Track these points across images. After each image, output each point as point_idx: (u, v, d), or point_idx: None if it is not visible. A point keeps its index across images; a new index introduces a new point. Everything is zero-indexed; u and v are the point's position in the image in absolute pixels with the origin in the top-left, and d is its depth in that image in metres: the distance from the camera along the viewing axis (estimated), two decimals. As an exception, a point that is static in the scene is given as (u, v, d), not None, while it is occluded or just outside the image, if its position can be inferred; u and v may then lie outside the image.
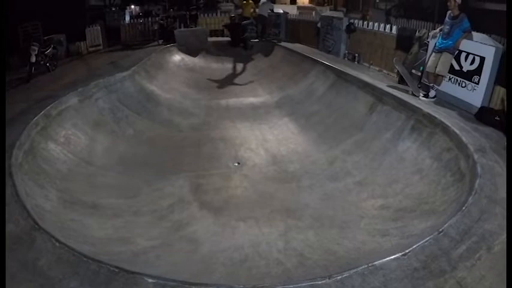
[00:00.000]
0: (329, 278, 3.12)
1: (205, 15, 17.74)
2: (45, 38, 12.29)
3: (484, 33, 7.28)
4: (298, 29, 15.68)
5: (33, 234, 3.73)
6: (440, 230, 3.69)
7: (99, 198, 5.55)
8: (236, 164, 7.15)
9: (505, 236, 3.66)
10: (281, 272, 4.03)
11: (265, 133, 8.61)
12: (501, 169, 4.81)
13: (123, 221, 5.12)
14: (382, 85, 8.34)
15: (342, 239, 4.67)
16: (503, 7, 10.81)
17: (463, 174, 4.99)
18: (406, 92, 7.87)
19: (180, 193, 6.01)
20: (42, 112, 6.66)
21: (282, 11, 16.82)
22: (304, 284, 3.08)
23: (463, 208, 4.01)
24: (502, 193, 4.30)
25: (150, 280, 3.10)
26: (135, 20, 17.04)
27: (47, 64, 10.78)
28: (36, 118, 6.39)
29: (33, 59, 9.91)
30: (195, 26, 16.17)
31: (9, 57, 11.15)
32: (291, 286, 3.07)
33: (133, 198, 5.80)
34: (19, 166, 5.13)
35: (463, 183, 4.83)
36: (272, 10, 16.24)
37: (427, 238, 3.59)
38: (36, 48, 10.05)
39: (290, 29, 16.14)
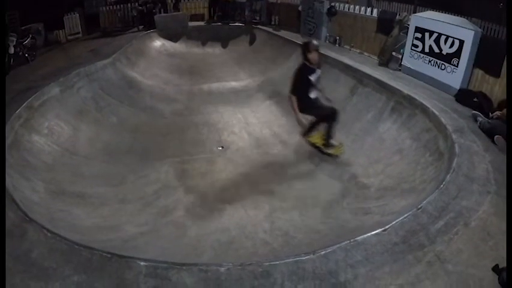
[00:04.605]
0: (313, 254, 3.25)
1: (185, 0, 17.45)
2: (23, 28, 12.00)
3: (464, 16, 7.39)
4: (279, 13, 15.55)
5: (24, 227, 3.75)
6: (419, 206, 3.85)
7: (86, 187, 5.57)
8: (220, 148, 7.21)
9: (481, 211, 3.84)
10: (268, 251, 4.16)
11: (248, 117, 8.65)
12: (478, 148, 5.00)
13: (110, 209, 5.17)
14: (363, 67, 8.43)
15: (325, 218, 4.82)
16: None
17: (442, 154, 5.17)
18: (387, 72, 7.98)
19: (166, 179, 6.07)
20: (25, 104, 6.56)
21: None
22: (289, 260, 3.20)
23: (441, 186, 4.18)
24: (479, 171, 4.49)
25: (142, 263, 3.18)
26: (114, 7, 16.66)
27: (26, 55, 10.55)
28: (18, 110, 6.30)
29: (12, 50, 9.69)
30: (177, 11, 15.93)
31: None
32: (277, 262, 3.18)
33: (119, 186, 5.84)
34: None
35: (441, 162, 5.01)
36: None
37: (406, 214, 3.75)
38: (14, 39, 9.84)
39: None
